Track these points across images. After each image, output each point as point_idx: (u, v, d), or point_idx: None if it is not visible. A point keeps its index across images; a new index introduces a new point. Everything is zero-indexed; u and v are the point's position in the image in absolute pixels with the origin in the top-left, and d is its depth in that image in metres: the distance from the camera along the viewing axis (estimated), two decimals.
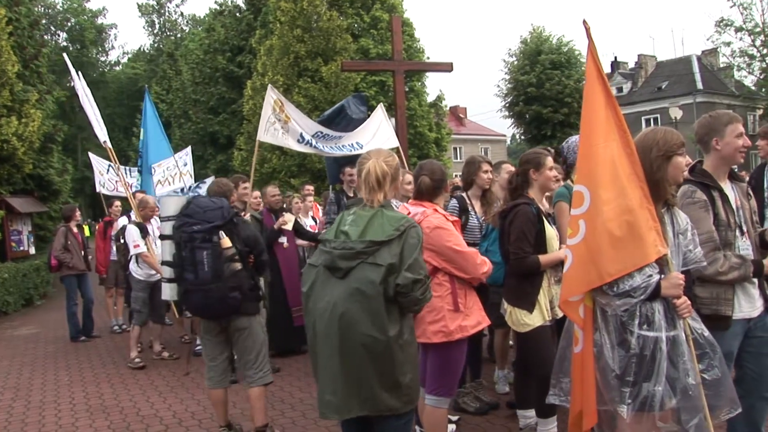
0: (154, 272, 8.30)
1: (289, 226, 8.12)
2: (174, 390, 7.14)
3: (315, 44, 24.28)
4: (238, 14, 37.25)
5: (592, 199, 3.21)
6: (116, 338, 10.71)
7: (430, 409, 4.39)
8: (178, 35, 58.97)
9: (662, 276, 3.25)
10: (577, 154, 3.43)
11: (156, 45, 61.03)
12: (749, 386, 3.90)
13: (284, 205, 9.12)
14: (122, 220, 10.37)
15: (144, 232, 8.46)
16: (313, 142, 9.20)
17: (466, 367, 5.79)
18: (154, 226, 8.70)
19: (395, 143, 10.08)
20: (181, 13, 57.95)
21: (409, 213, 4.36)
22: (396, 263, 3.25)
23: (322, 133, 9.34)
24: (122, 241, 9.36)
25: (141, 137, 12.30)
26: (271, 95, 8.98)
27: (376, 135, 9.82)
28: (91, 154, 15.27)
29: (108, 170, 14.08)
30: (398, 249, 3.27)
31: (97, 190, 14.26)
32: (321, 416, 3.44)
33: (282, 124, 8.95)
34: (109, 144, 10.18)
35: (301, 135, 9.04)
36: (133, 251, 8.44)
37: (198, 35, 43.58)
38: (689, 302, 3.35)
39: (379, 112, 10.20)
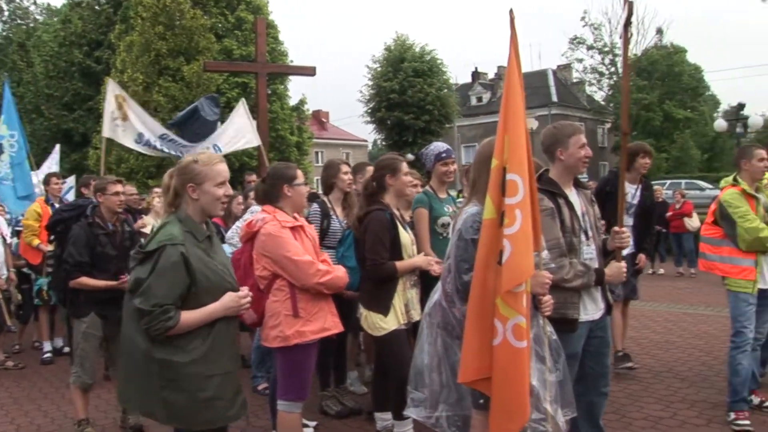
0: None
1: (147, 230, 8.04)
2: (18, 402, 6.69)
3: (177, 42, 23.73)
4: (97, 7, 35.70)
5: (526, 187, 3.23)
6: None
7: (283, 414, 4.41)
8: (31, 24, 55.94)
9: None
10: (507, 144, 3.32)
11: (5, 33, 57.63)
12: (589, 383, 4.14)
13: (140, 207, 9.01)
14: None
15: None
16: (158, 144, 9.08)
17: (330, 370, 5.95)
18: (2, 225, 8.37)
19: (257, 142, 10.11)
20: (35, 1, 54.86)
21: (253, 220, 4.43)
22: (143, 279, 3.24)
23: (169, 137, 9.25)
24: None
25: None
26: (113, 90, 8.83)
27: (236, 136, 9.81)
28: None
29: None
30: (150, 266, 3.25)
31: None
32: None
33: (120, 121, 8.82)
34: None
35: (139, 135, 8.92)
36: None
37: (53, 26, 41.51)
38: (552, 301, 3.56)
39: (241, 110, 10.10)
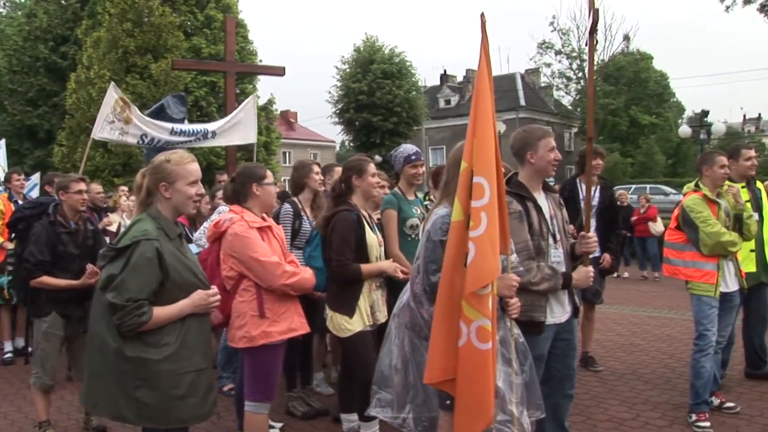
0: None
1: (113, 228, 7.97)
2: None
3: (145, 40, 23.49)
4: (63, 1, 35.21)
5: (492, 190, 3.25)
6: None
7: (249, 415, 4.40)
8: None
9: None
10: (475, 147, 3.36)
11: None
12: (555, 385, 4.17)
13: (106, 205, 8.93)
14: None
15: None
16: (168, 138, 9.15)
17: (297, 371, 5.93)
18: None
19: (253, 140, 10.28)
20: None
21: (220, 220, 4.42)
22: (116, 274, 3.24)
23: (176, 129, 9.36)
24: None
25: None
26: (113, 93, 8.86)
27: (234, 127, 9.98)
28: None
29: None
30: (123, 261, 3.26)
31: None
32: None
33: (123, 124, 8.84)
34: None
35: (142, 135, 8.99)
36: None
37: (17, 20, 40.80)
38: (519, 304, 3.60)
39: (251, 102, 10.38)
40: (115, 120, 8.85)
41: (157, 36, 23.71)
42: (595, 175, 6.76)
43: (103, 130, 8.83)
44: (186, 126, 9.70)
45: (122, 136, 9.04)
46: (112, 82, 10.05)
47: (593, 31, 4.14)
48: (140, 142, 9.14)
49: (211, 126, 10.03)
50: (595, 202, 6.62)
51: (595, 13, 3.95)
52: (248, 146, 10.82)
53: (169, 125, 9.40)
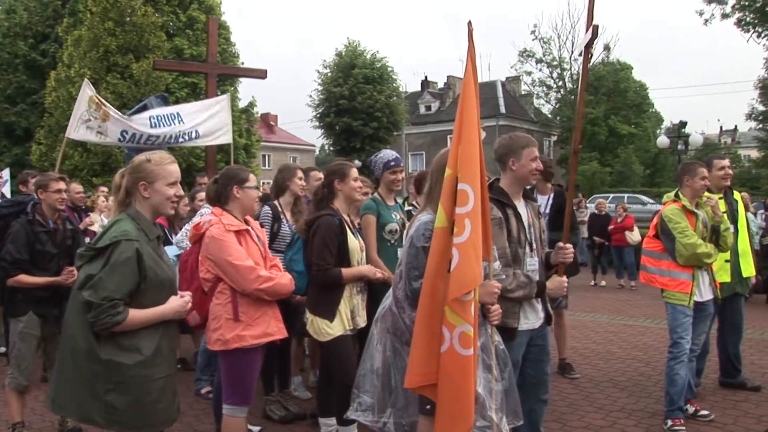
0: None
1: (95, 228, 7.92)
2: None
3: (127, 39, 23.28)
4: None
5: (477, 197, 3.26)
6: None
7: (227, 418, 4.38)
8: None
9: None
10: (460, 153, 3.36)
11: None
12: (529, 391, 4.20)
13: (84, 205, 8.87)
14: None
15: None
16: (149, 132, 9.02)
17: (275, 375, 5.92)
18: None
19: (229, 140, 10.20)
20: None
21: (200, 222, 4.42)
22: (94, 274, 3.22)
23: (155, 117, 9.22)
24: None
25: None
26: (87, 91, 8.75)
27: (216, 131, 9.91)
28: None
29: None
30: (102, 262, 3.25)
31: None
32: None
33: (100, 122, 8.73)
34: None
35: (123, 132, 8.87)
36: None
37: None
38: (500, 310, 3.62)
39: (224, 103, 10.27)
40: (92, 118, 8.75)
41: (138, 36, 23.53)
42: (550, 183, 6.86)
43: (78, 129, 8.73)
44: (161, 110, 9.49)
45: (100, 137, 8.92)
46: (86, 79, 9.96)
47: (590, 46, 4.16)
48: (121, 139, 9.01)
49: (183, 110, 9.82)
50: (547, 209, 6.64)
51: (594, 30, 3.91)
52: (225, 147, 10.77)
53: (146, 114, 9.30)
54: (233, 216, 4.36)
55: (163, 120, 9.31)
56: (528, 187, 4.28)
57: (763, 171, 42.49)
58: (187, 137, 9.53)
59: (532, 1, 79.24)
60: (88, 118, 8.77)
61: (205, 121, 9.86)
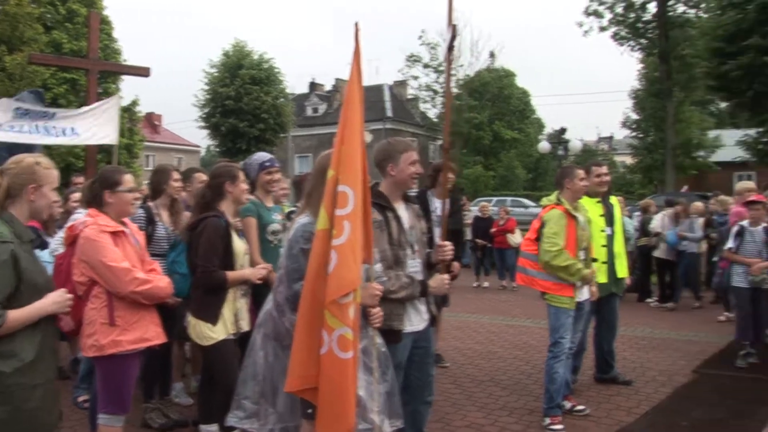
0: None
1: None
2: None
3: None
4: None
5: (357, 199, 3.24)
6: None
7: (103, 428, 4.23)
8: None
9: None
10: (340, 155, 3.36)
11: None
12: (414, 393, 4.24)
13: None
14: None
15: None
16: (11, 124, 8.54)
17: (156, 381, 5.73)
18: None
19: (115, 141, 9.81)
20: None
21: (75, 224, 4.28)
22: None
23: (22, 109, 8.72)
24: None
25: None
26: None
27: (98, 130, 9.47)
28: None
29: None
30: None
31: None
32: None
33: None
34: None
35: None
36: None
37: None
38: (381, 313, 3.63)
39: (112, 102, 9.91)
40: None
41: (12, 26, 22.39)
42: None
43: None
44: (31, 106, 9.04)
45: None
46: None
47: (451, 46, 4.28)
48: None
49: (72, 122, 9.45)
50: (438, 212, 6.75)
51: (453, 29, 4.08)
52: (109, 147, 10.40)
53: (15, 104, 8.86)
54: (109, 218, 4.21)
55: (32, 113, 8.88)
56: (408, 190, 4.33)
57: (636, 176, 44.48)
58: (61, 133, 9.10)
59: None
60: None
61: (86, 118, 9.49)
